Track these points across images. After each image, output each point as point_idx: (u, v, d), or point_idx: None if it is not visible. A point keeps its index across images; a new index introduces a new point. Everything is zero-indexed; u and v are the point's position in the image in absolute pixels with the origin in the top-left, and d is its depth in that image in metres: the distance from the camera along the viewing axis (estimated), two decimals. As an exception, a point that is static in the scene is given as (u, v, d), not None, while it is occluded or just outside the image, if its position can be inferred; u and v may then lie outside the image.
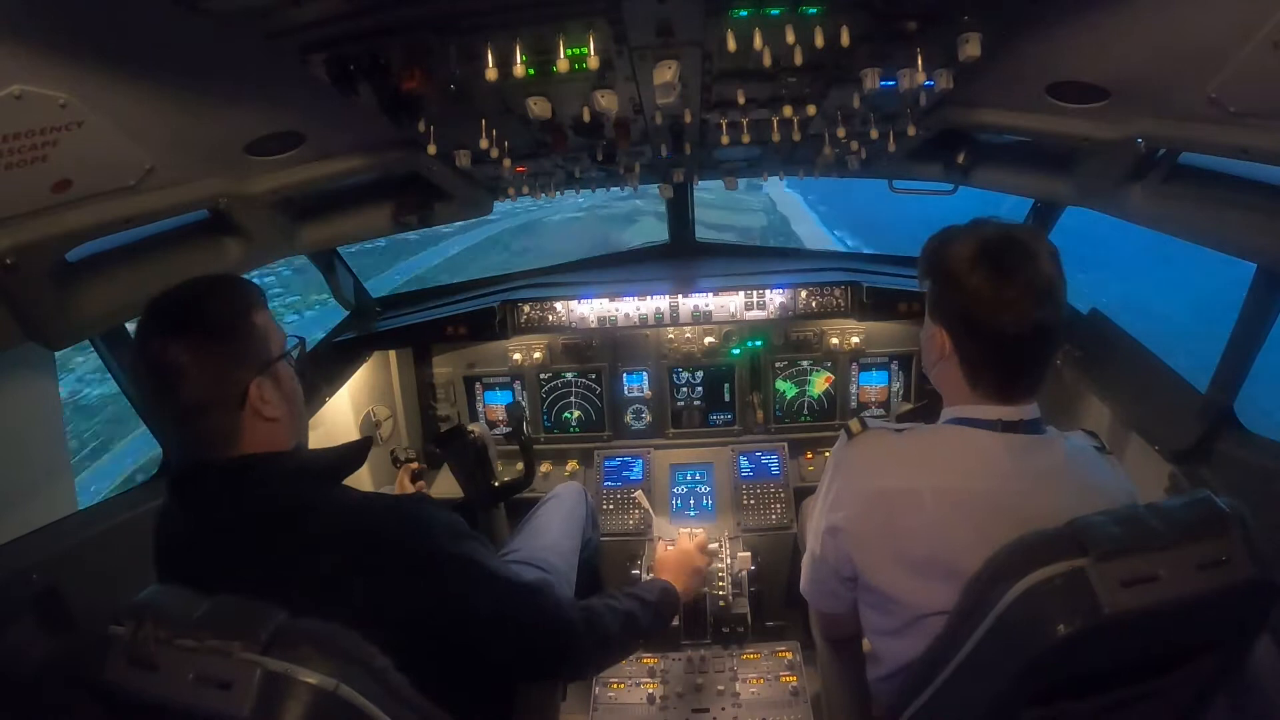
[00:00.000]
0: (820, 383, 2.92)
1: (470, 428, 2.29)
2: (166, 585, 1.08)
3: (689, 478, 2.86)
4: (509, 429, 2.80)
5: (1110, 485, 1.30)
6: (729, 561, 2.44)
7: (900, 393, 2.92)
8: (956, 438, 1.29)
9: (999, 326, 1.23)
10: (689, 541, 2.14)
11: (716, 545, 2.39)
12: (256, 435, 1.22)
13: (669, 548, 2.16)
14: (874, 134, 2.01)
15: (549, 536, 2.10)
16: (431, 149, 1.79)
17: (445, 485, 2.88)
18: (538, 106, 1.59)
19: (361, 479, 2.59)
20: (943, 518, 1.22)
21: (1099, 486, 1.27)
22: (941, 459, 1.28)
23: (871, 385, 2.91)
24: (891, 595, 1.30)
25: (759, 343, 2.86)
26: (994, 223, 1.32)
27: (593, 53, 1.34)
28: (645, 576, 2.38)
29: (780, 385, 2.93)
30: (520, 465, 2.43)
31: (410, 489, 2.28)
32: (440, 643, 1.24)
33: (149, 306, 1.21)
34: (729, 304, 2.81)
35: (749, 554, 2.48)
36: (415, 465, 2.35)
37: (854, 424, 1.40)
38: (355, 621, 1.04)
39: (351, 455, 1.32)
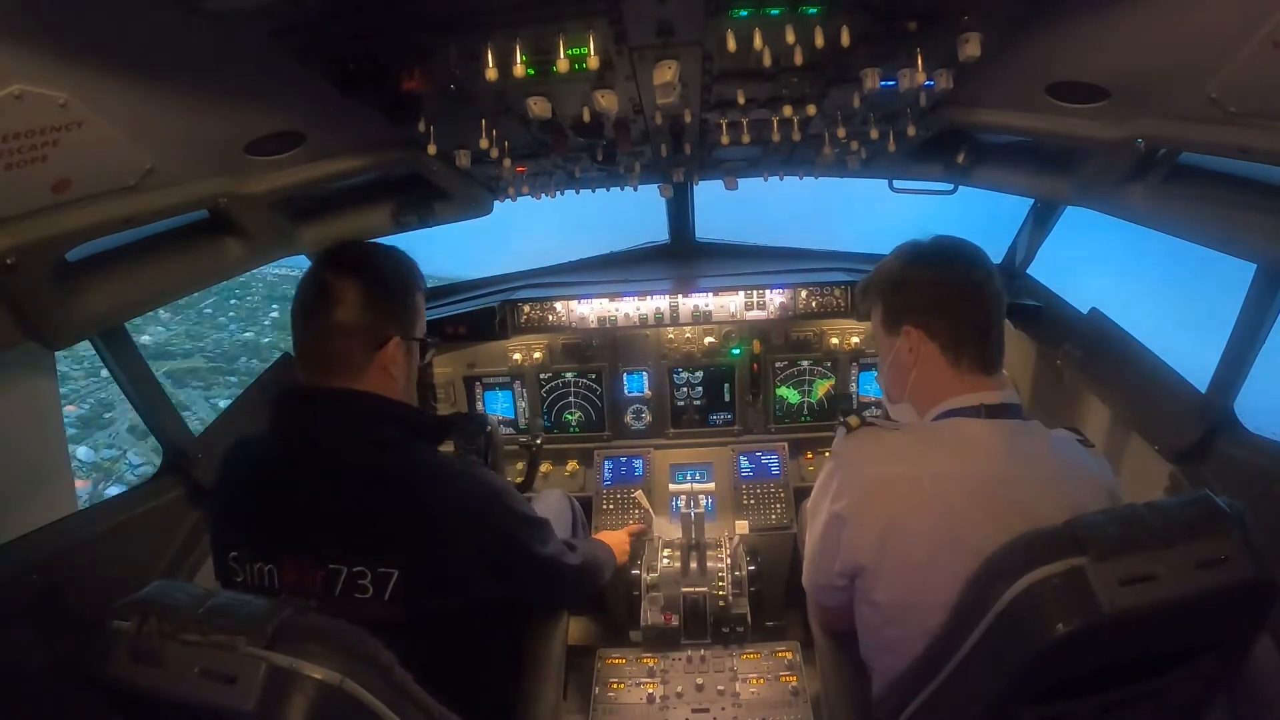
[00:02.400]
0: (822, 389, 2.93)
1: (489, 426, 2.28)
2: (170, 580, 1.09)
3: (689, 477, 2.86)
4: (513, 430, 2.80)
5: (1095, 473, 1.37)
6: (729, 561, 2.44)
7: None
8: (948, 429, 1.37)
9: (961, 295, 1.43)
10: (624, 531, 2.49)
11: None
12: (379, 381, 1.38)
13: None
14: (874, 134, 2.00)
15: None
16: (431, 149, 1.78)
17: None
18: (538, 106, 1.59)
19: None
20: (944, 502, 1.27)
21: (1085, 472, 1.35)
22: (937, 448, 1.35)
23: (871, 386, 2.91)
24: (896, 585, 1.32)
25: (737, 351, 2.88)
26: (925, 240, 1.54)
27: (593, 53, 1.34)
28: (646, 577, 2.39)
29: (784, 391, 2.93)
30: (520, 465, 2.43)
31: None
32: (492, 591, 1.37)
33: (338, 245, 1.47)
34: (729, 304, 2.81)
35: (746, 522, 2.65)
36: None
37: (852, 419, 1.46)
38: (434, 567, 1.25)
39: (446, 425, 1.56)
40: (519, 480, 2.38)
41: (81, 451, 13.41)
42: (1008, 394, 1.41)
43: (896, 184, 2.51)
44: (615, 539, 2.42)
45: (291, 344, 1.42)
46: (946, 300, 1.43)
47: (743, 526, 2.63)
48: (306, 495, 1.27)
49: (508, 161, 2.02)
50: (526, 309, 2.85)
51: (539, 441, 2.39)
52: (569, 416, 2.98)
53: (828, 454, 2.83)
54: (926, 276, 1.47)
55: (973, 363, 1.41)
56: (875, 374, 2.90)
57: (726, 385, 2.93)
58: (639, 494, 2.63)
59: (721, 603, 2.37)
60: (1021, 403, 1.43)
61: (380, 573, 1.22)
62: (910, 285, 1.48)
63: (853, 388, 2.91)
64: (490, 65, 1.35)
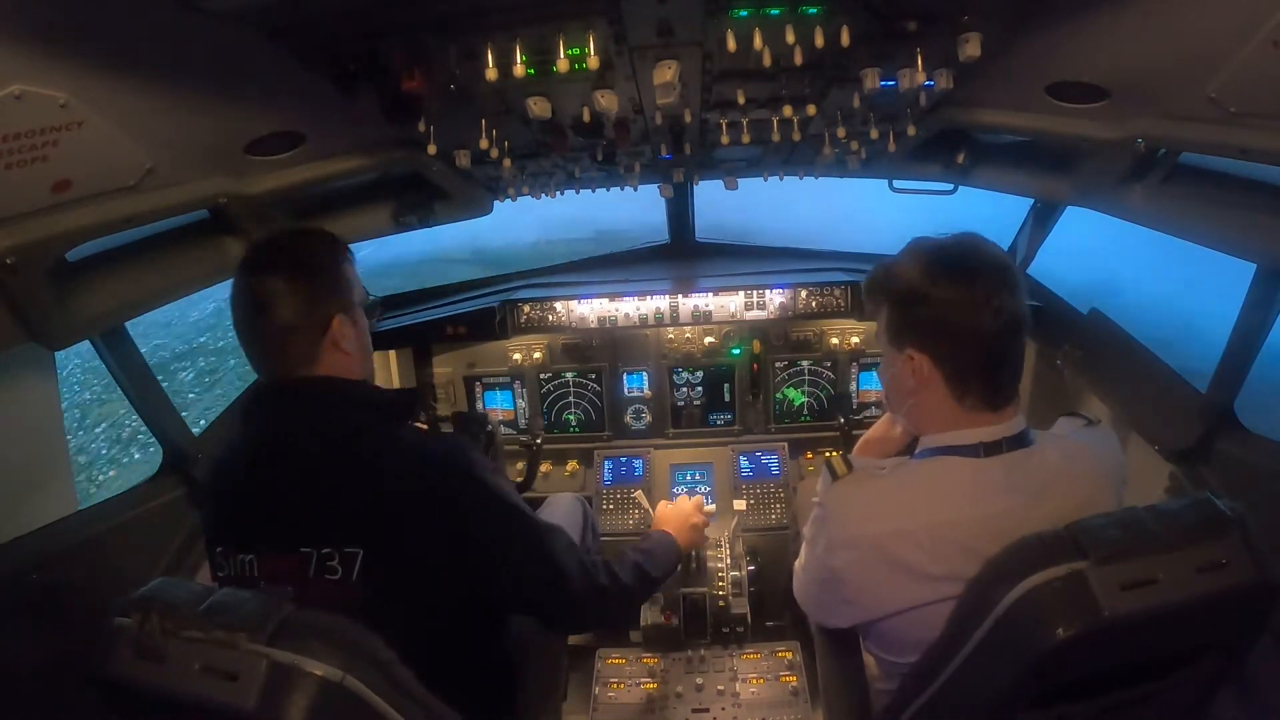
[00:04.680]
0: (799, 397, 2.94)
1: (489, 424, 2.28)
2: (171, 578, 1.09)
3: (689, 478, 2.86)
4: (513, 430, 2.80)
5: (1098, 470, 1.29)
6: (729, 561, 2.44)
7: None
8: (941, 471, 1.27)
9: (979, 325, 1.23)
10: (687, 501, 2.13)
11: (713, 507, 2.47)
12: (333, 362, 1.38)
13: (669, 505, 2.16)
14: (874, 134, 2.00)
15: None
16: (431, 149, 1.78)
17: None
18: (538, 106, 1.59)
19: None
20: (941, 551, 1.20)
21: (1098, 481, 1.27)
22: (929, 495, 1.26)
23: (872, 386, 2.92)
24: (902, 626, 1.28)
25: (737, 351, 2.88)
26: (931, 239, 1.33)
27: (593, 53, 1.34)
28: None
29: (788, 392, 2.94)
30: (521, 465, 2.43)
31: None
32: (461, 578, 1.34)
33: (252, 248, 1.45)
34: (729, 304, 2.81)
35: (744, 502, 2.65)
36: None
37: (838, 464, 1.36)
38: (391, 547, 1.25)
39: (408, 400, 1.50)
40: (519, 480, 2.38)
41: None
42: (1011, 425, 1.27)
43: (896, 184, 2.51)
44: (680, 516, 2.06)
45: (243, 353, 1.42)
46: (963, 329, 1.24)
47: (740, 505, 2.63)
48: (277, 486, 1.31)
49: (508, 161, 2.02)
50: (526, 309, 2.85)
51: (538, 441, 2.39)
52: (569, 416, 2.98)
53: (827, 454, 2.86)
54: (944, 296, 1.25)
55: (978, 399, 1.27)
56: (875, 373, 2.91)
57: (726, 385, 2.93)
58: (639, 494, 2.63)
59: (721, 603, 2.37)
60: (1025, 427, 1.30)
61: (347, 553, 1.26)
62: (924, 303, 1.27)
63: (853, 387, 2.91)
64: (490, 65, 1.35)
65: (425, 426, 2.41)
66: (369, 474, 1.30)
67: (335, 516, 1.28)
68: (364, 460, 1.31)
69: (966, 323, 1.23)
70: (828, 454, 2.70)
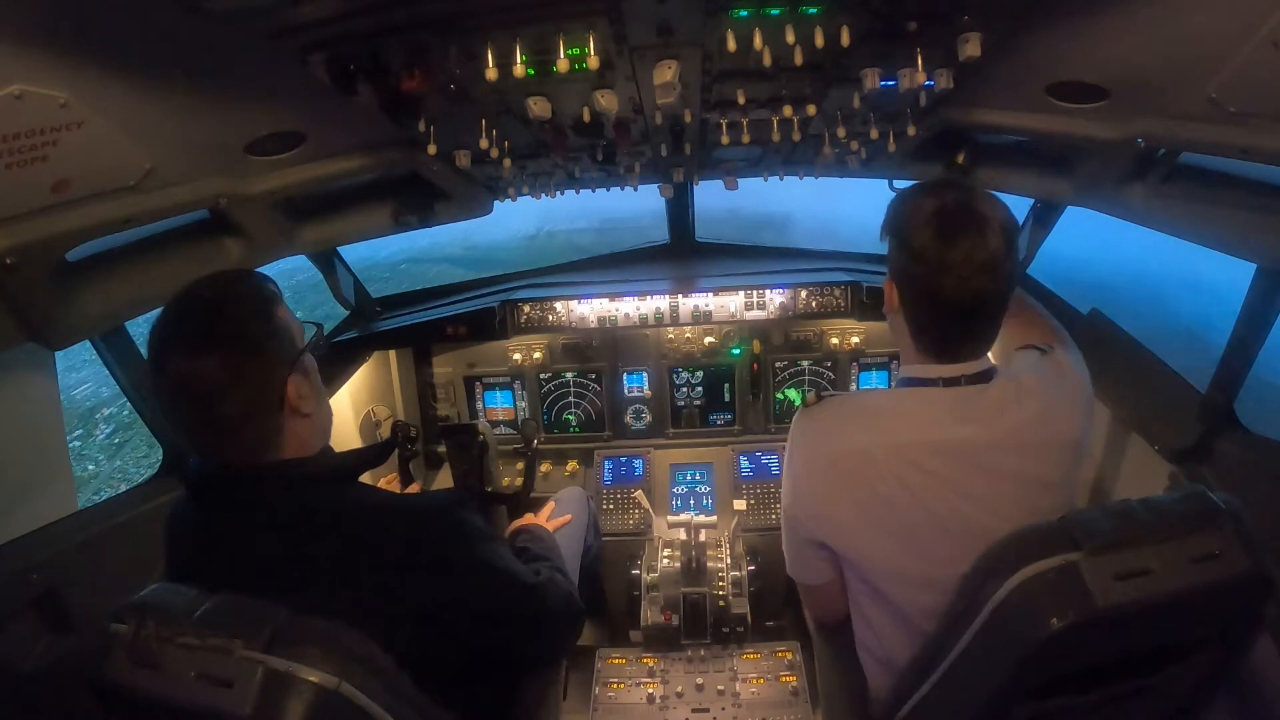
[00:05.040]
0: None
1: (480, 430, 2.29)
2: (168, 583, 1.08)
3: (689, 477, 2.86)
4: (513, 430, 2.81)
5: (1063, 400, 1.34)
6: (729, 561, 2.44)
7: None
8: (901, 397, 1.38)
9: (936, 289, 1.26)
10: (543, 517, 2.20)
11: (714, 519, 2.50)
12: (295, 435, 1.21)
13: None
14: (874, 134, 2.00)
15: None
16: (431, 149, 1.78)
17: (445, 480, 2.88)
18: (538, 106, 1.59)
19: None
20: (892, 469, 1.28)
21: (1054, 403, 1.32)
22: (889, 418, 1.34)
23: (871, 386, 2.92)
24: (863, 557, 1.35)
25: (737, 351, 2.88)
26: (959, 187, 1.32)
27: (593, 53, 1.34)
28: (646, 577, 2.38)
29: (788, 392, 2.93)
30: (520, 465, 2.43)
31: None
32: (449, 639, 1.26)
33: (164, 318, 1.14)
34: (729, 304, 2.81)
35: (744, 502, 2.66)
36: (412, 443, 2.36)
37: (810, 396, 1.47)
38: (371, 616, 1.08)
39: (375, 458, 1.37)
40: (519, 482, 2.38)
41: None
42: (971, 367, 1.31)
43: (896, 184, 2.50)
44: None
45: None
46: (924, 285, 1.27)
47: (740, 505, 2.64)
48: (244, 581, 1.09)
49: (508, 161, 2.02)
50: (526, 309, 2.85)
51: (535, 443, 2.39)
52: (569, 416, 2.98)
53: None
54: (918, 245, 1.26)
55: (928, 348, 1.33)
56: (875, 374, 2.91)
57: (726, 385, 2.93)
58: (639, 494, 2.63)
59: (721, 603, 2.37)
60: (989, 367, 1.34)
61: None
62: (904, 245, 1.29)
63: (853, 387, 2.91)
64: (490, 65, 1.35)
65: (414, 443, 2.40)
66: (351, 548, 1.17)
67: (315, 594, 1.10)
68: (339, 536, 1.18)
69: (930, 281, 1.26)
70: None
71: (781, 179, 2.63)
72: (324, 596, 1.08)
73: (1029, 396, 1.31)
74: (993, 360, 1.38)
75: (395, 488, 2.33)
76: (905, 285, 1.32)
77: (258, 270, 1.30)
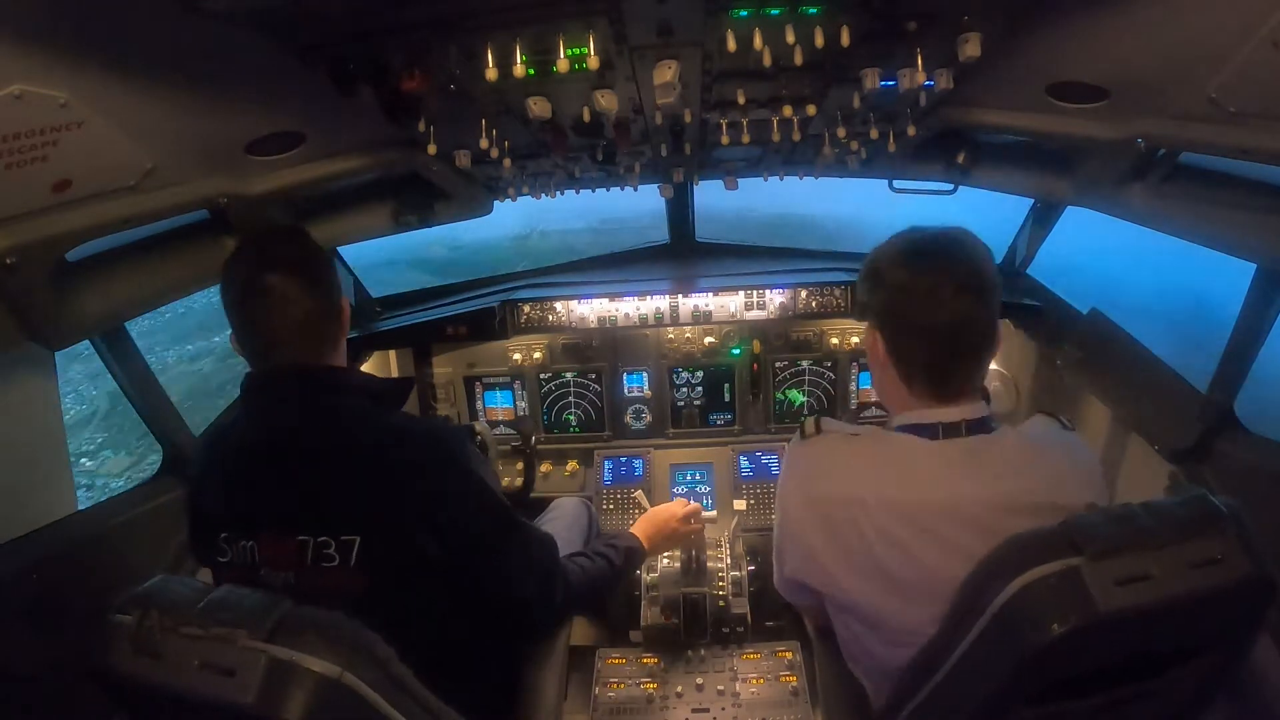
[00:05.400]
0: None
1: (477, 431, 2.29)
2: (170, 575, 1.09)
3: (689, 478, 2.86)
4: (513, 430, 2.81)
5: (1075, 470, 1.28)
6: (729, 561, 2.44)
7: None
8: (902, 446, 1.28)
9: (918, 315, 1.25)
10: (679, 508, 2.21)
11: (714, 515, 2.52)
12: (340, 348, 1.50)
13: (658, 509, 2.25)
14: (874, 134, 2.00)
15: None
16: (431, 149, 1.78)
17: None
18: (538, 106, 1.59)
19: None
20: (887, 525, 1.23)
21: (1062, 473, 1.26)
22: (885, 467, 1.28)
23: (872, 386, 2.92)
24: (849, 604, 1.32)
25: (737, 351, 2.89)
26: (927, 227, 1.34)
27: (593, 53, 1.34)
28: (646, 577, 2.39)
29: (788, 392, 2.93)
30: (520, 465, 2.43)
31: None
32: (450, 565, 1.36)
33: (250, 243, 1.48)
34: (729, 304, 2.81)
35: (744, 502, 2.66)
36: None
37: (809, 424, 1.40)
38: (384, 533, 1.29)
39: (404, 388, 1.55)
40: (519, 482, 2.38)
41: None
42: (970, 410, 1.27)
43: (896, 184, 2.51)
44: (657, 523, 2.16)
45: (239, 335, 1.44)
46: (908, 316, 1.27)
47: (740, 505, 2.64)
48: (279, 474, 1.34)
49: (508, 161, 2.02)
50: (526, 309, 2.85)
51: (535, 440, 2.39)
52: (569, 416, 2.98)
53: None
54: (895, 280, 1.27)
55: (924, 388, 1.28)
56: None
57: (726, 385, 2.93)
58: (639, 494, 2.63)
59: (721, 603, 2.37)
60: (988, 414, 1.30)
61: (343, 540, 1.29)
62: (880, 283, 1.30)
63: (853, 387, 2.91)
64: (490, 65, 1.35)
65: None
66: (365, 463, 1.33)
67: (332, 505, 1.31)
68: (361, 449, 1.34)
69: (911, 310, 1.26)
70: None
71: (781, 179, 2.63)
72: (350, 488, 1.30)
73: (1040, 457, 1.27)
74: (997, 406, 1.36)
75: None
76: (888, 323, 1.31)
77: None
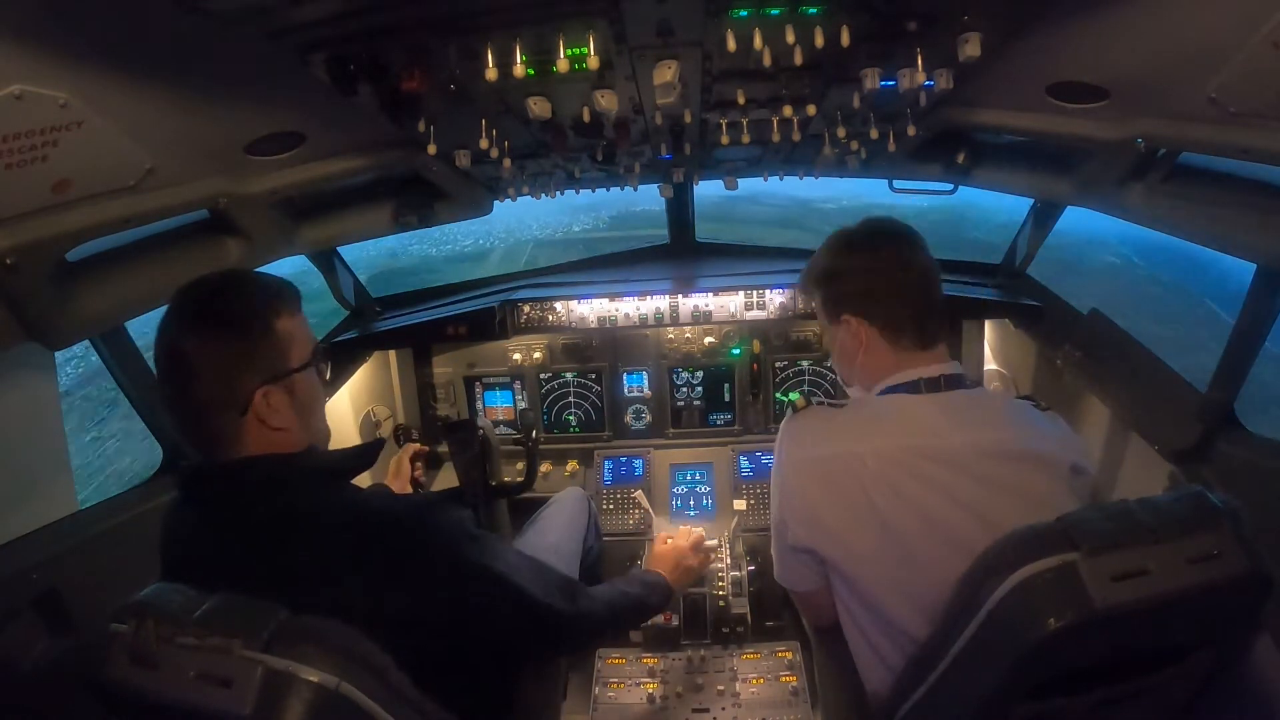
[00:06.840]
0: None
1: (480, 423, 2.29)
2: (167, 583, 1.08)
3: (689, 478, 2.86)
4: (514, 430, 2.81)
5: (1054, 433, 1.42)
6: (729, 561, 2.44)
7: None
8: (890, 404, 1.41)
9: (893, 280, 1.44)
10: (685, 539, 2.16)
11: (715, 543, 2.43)
12: (261, 440, 1.18)
13: (668, 541, 2.17)
14: (874, 134, 2.00)
15: (550, 538, 2.11)
16: (431, 149, 1.78)
17: (446, 479, 2.88)
18: (538, 106, 1.59)
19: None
20: (884, 474, 1.31)
21: (1042, 431, 1.39)
22: (880, 423, 1.39)
23: None
24: (852, 563, 1.37)
25: (737, 351, 2.88)
26: (847, 225, 1.56)
27: (593, 53, 1.34)
28: None
29: (790, 394, 2.93)
30: (521, 465, 2.43)
31: (407, 469, 2.26)
32: (437, 638, 1.23)
33: (177, 293, 1.18)
34: (729, 304, 2.81)
35: (744, 502, 2.65)
36: (418, 446, 2.33)
37: (799, 400, 1.52)
38: (355, 618, 1.03)
39: (362, 457, 1.30)
40: (519, 480, 2.38)
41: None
42: (946, 366, 1.44)
43: (896, 184, 2.51)
44: (674, 556, 2.05)
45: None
46: (880, 287, 1.45)
47: (740, 505, 2.64)
48: (229, 576, 1.08)
49: (508, 161, 2.02)
50: (526, 309, 2.85)
51: (535, 435, 2.39)
52: (569, 416, 2.98)
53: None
54: (858, 265, 1.48)
55: (910, 340, 1.44)
56: None
57: (726, 385, 2.93)
58: (639, 494, 2.64)
59: (721, 603, 2.37)
60: (963, 373, 1.46)
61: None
62: (843, 275, 1.50)
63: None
64: (490, 65, 1.35)
65: (419, 446, 2.35)
66: (325, 549, 1.14)
67: (298, 595, 1.05)
68: (315, 536, 1.15)
69: (882, 280, 1.45)
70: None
71: (781, 179, 2.63)
72: (302, 598, 1.03)
73: (1018, 414, 1.41)
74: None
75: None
76: (866, 302, 1.46)
77: (287, 280, 1.28)
